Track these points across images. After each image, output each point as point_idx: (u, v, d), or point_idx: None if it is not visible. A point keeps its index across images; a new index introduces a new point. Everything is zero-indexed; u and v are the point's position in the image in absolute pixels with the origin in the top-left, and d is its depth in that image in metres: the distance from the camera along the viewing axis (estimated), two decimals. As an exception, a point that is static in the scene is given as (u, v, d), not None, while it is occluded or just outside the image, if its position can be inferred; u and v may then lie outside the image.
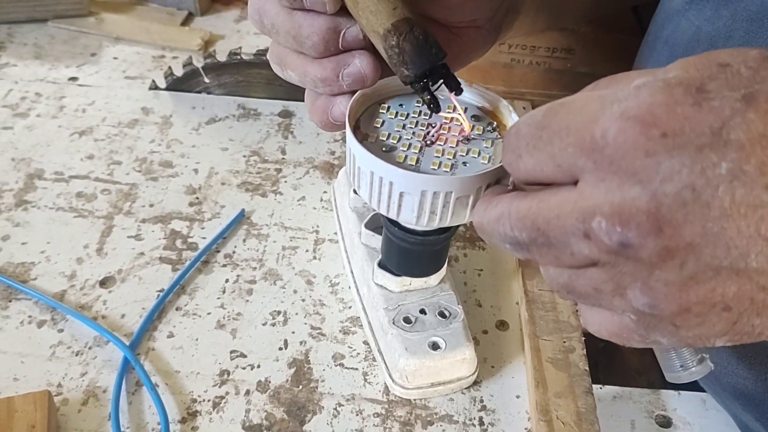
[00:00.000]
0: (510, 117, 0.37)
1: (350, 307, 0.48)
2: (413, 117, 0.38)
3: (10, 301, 0.46)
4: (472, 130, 0.37)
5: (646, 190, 0.23)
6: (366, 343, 0.46)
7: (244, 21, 0.78)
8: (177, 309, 0.47)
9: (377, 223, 0.46)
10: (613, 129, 0.24)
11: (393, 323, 0.43)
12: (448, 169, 0.35)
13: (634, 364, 0.52)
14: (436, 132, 0.37)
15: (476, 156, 0.35)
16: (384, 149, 0.36)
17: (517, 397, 0.44)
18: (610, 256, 0.25)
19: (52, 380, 0.42)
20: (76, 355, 0.44)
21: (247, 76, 0.63)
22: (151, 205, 0.53)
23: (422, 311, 0.44)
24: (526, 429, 0.42)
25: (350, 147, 0.36)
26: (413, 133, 0.37)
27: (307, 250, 0.51)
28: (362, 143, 0.35)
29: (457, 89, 0.35)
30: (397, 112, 0.38)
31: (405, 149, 0.36)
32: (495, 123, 0.38)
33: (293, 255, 0.51)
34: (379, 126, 0.38)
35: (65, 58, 0.69)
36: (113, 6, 0.76)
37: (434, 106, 0.35)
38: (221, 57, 0.62)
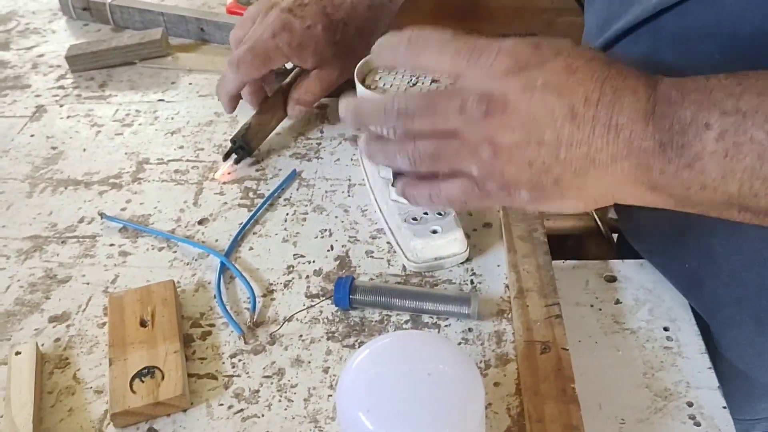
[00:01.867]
0: None
1: (376, 224, 0.66)
2: (400, 74, 0.57)
3: (137, 238, 0.66)
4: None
5: (502, 89, 0.42)
6: (388, 243, 0.63)
7: (285, 49, 0.99)
8: (254, 233, 0.66)
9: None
10: (493, 56, 0.42)
11: (405, 221, 0.61)
12: None
13: (593, 251, 0.68)
14: (414, 81, 0.56)
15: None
16: (383, 92, 0.55)
17: (498, 265, 0.61)
18: (472, 125, 0.42)
19: (173, 279, 0.61)
20: (187, 264, 0.63)
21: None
22: (229, 173, 0.73)
23: (425, 213, 0.62)
24: (504, 283, 0.59)
25: (360, 94, 0.56)
26: (399, 82, 0.56)
27: (342, 192, 0.70)
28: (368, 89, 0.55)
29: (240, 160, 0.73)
30: (389, 72, 0.58)
31: (396, 91, 0.55)
32: None
33: (333, 195, 0.69)
34: (378, 80, 0.57)
35: (153, 87, 0.90)
36: (185, 47, 0.99)
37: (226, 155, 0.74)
38: (270, 69, 0.82)
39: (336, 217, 0.67)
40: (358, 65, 0.57)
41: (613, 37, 0.54)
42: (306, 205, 0.69)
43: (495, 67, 0.42)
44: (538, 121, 0.41)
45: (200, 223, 0.67)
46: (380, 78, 0.57)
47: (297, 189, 0.71)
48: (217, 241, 0.65)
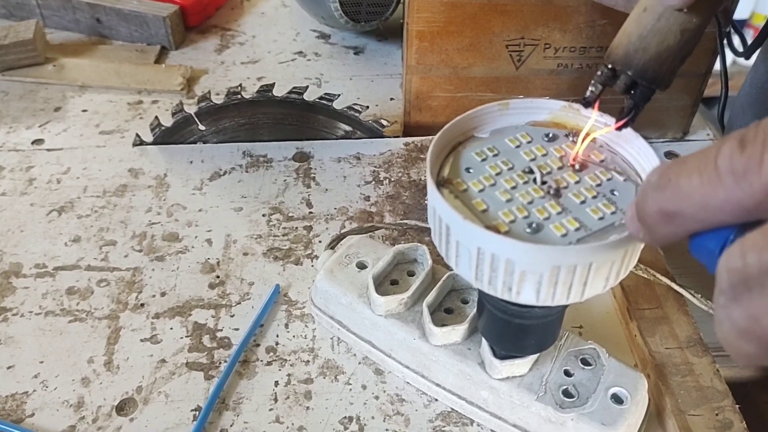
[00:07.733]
0: (576, 115, 0.31)
1: (436, 399, 0.38)
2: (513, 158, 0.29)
3: (3, 452, 0.36)
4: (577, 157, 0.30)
5: None
6: (469, 445, 0.36)
7: (227, 50, 0.68)
8: (222, 432, 0.37)
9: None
10: None
11: (560, 407, 0.34)
12: (573, 228, 0.27)
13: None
14: (554, 177, 0.28)
15: (583, 199, 0.28)
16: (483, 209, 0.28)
17: (673, 495, 0.35)
18: None
19: None
20: None
21: (250, 118, 0.53)
22: (163, 294, 0.43)
23: (567, 372, 0.35)
24: None
25: (442, 216, 0.28)
26: (518, 181, 0.29)
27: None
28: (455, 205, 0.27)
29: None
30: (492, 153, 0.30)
31: (521, 204, 0.28)
32: (567, 131, 0.31)
33: (351, 337, 0.41)
34: (467, 175, 0.29)
35: (24, 117, 0.58)
36: (72, 49, 0.66)
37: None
38: (217, 98, 0.52)
39: (364, 387, 0.39)
40: (432, 143, 0.29)
41: None
42: (307, 362, 0.40)
43: None
44: None
45: (120, 410, 0.38)
46: (472, 171, 0.29)
47: (286, 325, 0.42)
48: (155, 454, 0.36)
